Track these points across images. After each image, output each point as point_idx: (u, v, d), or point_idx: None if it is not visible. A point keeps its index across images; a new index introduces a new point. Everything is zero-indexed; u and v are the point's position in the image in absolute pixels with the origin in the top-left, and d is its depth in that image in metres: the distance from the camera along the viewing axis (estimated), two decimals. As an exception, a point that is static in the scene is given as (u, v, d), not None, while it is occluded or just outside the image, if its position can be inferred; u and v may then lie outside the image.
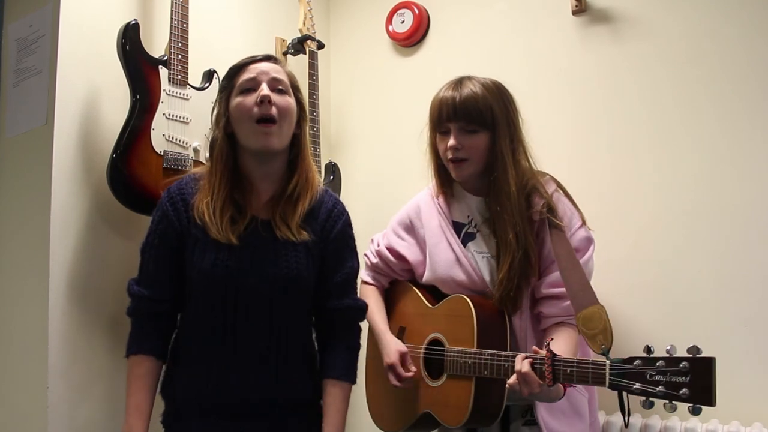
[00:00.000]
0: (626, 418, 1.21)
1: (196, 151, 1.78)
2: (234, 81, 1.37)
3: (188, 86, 1.78)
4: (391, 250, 1.69)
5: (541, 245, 1.47)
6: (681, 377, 1.09)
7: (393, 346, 1.58)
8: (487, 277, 1.52)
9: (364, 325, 1.51)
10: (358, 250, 1.51)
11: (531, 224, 1.47)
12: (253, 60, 1.39)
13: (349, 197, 2.37)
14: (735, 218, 1.72)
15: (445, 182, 1.61)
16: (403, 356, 1.56)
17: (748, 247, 1.70)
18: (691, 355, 1.09)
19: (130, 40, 1.66)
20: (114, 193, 1.64)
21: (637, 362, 1.14)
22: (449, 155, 1.50)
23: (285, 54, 2.29)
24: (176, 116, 1.74)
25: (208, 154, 1.45)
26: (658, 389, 1.11)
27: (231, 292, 1.32)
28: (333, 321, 1.44)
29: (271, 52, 2.30)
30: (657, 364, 1.12)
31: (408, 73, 2.42)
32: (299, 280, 1.35)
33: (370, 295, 1.71)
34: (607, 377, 1.17)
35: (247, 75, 1.36)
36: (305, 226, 1.38)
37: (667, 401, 1.10)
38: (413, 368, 1.56)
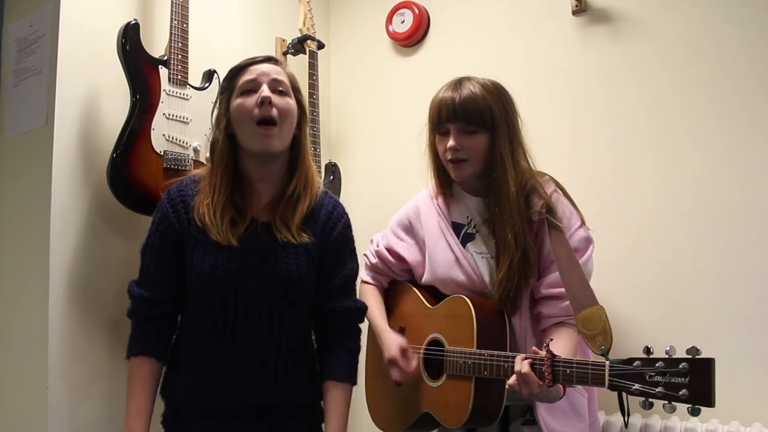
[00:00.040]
0: (626, 419, 1.21)
1: (196, 151, 1.78)
2: (234, 82, 1.37)
3: (188, 86, 1.78)
4: (390, 250, 1.69)
5: (541, 246, 1.47)
6: (680, 378, 1.08)
7: (393, 341, 1.57)
8: (486, 278, 1.52)
9: (363, 327, 1.51)
10: (358, 250, 1.51)
11: (530, 225, 1.47)
12: (254, 61, 1.38)
13: (349, 197, 2.38)
14: (735, 218, 1.72)
15: (445, 183, 1.61)
16: (403, 351, 1.56)
17: (748, 247, 1.70)
18: (690, 356, 1.09)
19: (130, 40, 1.66)
20: (114, 193, 1.64)
21: (636, 363, 1.14)
22: (448, 156, 1.50)
23: (285, 54, 2.29)
24: (176, 116, 1.74)
25: (208, 155, 1.45)
26: (657, 390, 1.11)
27: (231, 294, 1.31)
28: (333, 323, 1.44)
29: (271, 52, 2.30)
30: (656, 364, 1.12)
31: (408, 73, 2.41)
32: (299, 282, 1.35)
33: (369, 294, 1.71)
34: (607, 378, 1.17)
35: (247, 76, 1.36)
36: (305, 228, 1.38)
37: (666, 402, 1.10)
38: (414, 362, 1.55)
